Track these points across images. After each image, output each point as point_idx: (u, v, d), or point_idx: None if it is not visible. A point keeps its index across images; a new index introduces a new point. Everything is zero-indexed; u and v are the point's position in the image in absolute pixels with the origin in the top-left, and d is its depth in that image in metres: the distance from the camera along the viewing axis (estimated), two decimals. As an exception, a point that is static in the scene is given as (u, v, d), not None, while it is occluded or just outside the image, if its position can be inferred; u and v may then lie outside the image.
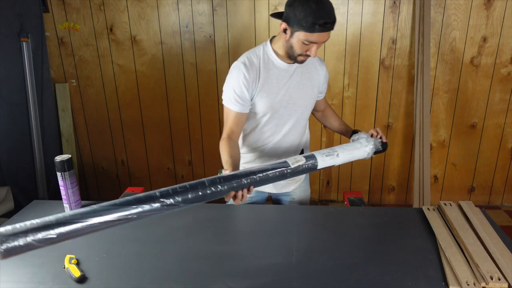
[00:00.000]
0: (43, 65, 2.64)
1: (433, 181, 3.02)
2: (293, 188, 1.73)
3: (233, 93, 1.42)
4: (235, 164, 1.36)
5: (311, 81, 1.52)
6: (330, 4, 1.29)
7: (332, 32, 1.32)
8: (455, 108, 2.81)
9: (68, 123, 3.00)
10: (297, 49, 1.35)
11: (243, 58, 1.44)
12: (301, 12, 1.26)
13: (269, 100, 1.45)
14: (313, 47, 1.33)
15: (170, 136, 3.04)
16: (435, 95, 2.78)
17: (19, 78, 2.46)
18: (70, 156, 1.43)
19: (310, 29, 1.26)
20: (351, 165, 3.03)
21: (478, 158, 2.93)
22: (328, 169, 3.07)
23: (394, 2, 2.59)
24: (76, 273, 1.11)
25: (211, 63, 2.81)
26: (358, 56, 2.72)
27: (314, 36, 1.29)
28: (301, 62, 1.41)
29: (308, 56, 1.37)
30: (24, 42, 2.43)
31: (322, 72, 1.57)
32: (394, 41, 2.68)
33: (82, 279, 1.10)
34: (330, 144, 2.98)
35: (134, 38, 2.78)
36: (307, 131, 1.69)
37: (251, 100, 1.45)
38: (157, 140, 3.06)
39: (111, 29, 2.76)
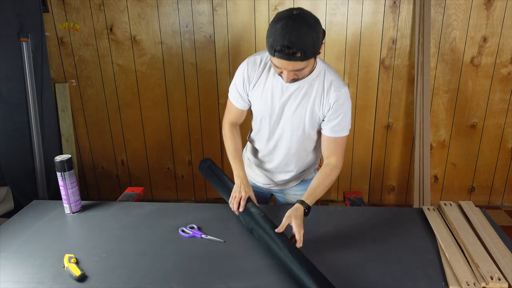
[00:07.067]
0: (43, 65, 2.63)
1: (433, 181, 3.02)
2: (292, 185, 1.66)
3: (235, 87, 1.46)
4: (240, 159, 1.48)
5: (309, 104, 1.37)
6: (301, 31, 1.11)
7: (332, 32, 1.31)
8: (455, 108, 2.81)
9: (68, 123, 3.00)
10: (274, 69, 1.24)
11: (253, 55, 1.44)
12: (268, 31, 1.16)
13: (261, 104, 1.42)
14: (284, 72, 1.20)
15: (170, 136, 3.04)
16: (435, 95, 2.78)
17: (19, 78, 2.46)
18: (70, 156, 1.44)
19: (270, 51, 1.17)
20: (351, 165, 3.03)
21: (478, 158, 2.93)
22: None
23: (394, 2, 2.59)
24: (76, 272, 1.11)
25: (211, 63, 2.81)
26: (358, 56, 2.72)
27: (275, 60, 1.18)
28: (288, 82, 1.26)
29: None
30: (24, 42, 2.42)
31: (330, 99, 1.35)
32: (394, 41, 2.68)
33: (82, 278, 1.10)
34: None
35: (134, 38, 2.78)
36: (310, 158, 1.56)
37: (248, 97, 1.46)
38: (157, 140, 3.06)
39: (111, 29, 2.76)
